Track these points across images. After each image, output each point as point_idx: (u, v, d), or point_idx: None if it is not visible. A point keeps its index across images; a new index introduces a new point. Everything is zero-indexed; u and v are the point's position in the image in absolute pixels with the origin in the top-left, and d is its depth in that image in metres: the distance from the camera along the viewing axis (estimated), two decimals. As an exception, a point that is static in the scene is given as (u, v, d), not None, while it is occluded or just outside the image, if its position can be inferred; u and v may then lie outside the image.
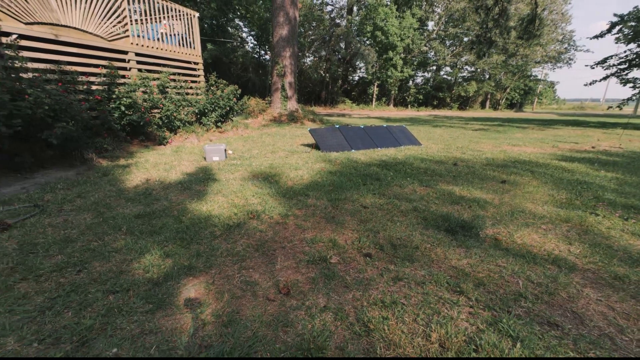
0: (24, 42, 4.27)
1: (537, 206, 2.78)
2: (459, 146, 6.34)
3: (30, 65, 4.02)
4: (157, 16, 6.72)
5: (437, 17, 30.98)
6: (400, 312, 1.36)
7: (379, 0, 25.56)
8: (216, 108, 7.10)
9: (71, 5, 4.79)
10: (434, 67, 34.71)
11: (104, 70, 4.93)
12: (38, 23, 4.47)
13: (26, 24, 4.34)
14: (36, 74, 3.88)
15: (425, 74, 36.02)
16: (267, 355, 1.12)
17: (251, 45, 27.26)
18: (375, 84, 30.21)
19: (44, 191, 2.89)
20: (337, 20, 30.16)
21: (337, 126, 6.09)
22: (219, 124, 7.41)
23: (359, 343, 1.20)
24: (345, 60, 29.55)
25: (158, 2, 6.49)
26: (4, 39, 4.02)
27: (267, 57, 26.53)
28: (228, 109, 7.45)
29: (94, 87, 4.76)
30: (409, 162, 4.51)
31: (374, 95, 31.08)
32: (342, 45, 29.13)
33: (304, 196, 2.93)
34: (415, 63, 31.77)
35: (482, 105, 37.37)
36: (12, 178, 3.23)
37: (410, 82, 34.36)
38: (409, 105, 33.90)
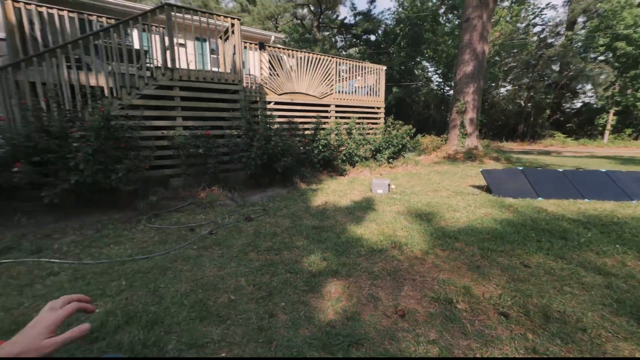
0: (276, 106, 6.81)
1: None
2: None
3: (277, 120, 6.36)
4: (355, 74, 8.56)
5: None
6: (520, 382, 1.24)
7: (623, 2, 19.02)
8: (390, 146, 7.92)
9: (302, 78, 7.14)
10: None
11: (313, 120, 6.89)
12: (285, 93, 6.99)
13: (278, 94, 6.92)
14: (278, 126, 6.08)
15: None
16: (370, 349, 1.41)
17: (436, 83, 27.50)
18: (612, 112, 21.92)
19: (269, 201, 4.49)
20: (550, 40, 24.93)
21: (521, 168, 5.19)
22: (391, 160, 8.15)
23: (456, 384, 1.24)
24: (559, 85, 23.60)
25: (356, 63, 8.30)
26: (268, 106, 6.62)
27: (452, 92, 25.81)
28: (400, 146, 8.10)
29: (306, 132, 6.75)
30: (636, 225, 3.21)
31: (608, 127, 22.51)
32: (555, 67, 23.60)
33: (453, 239, 2.88)
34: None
35: None
36: (256, 191, 5.22)
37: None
38: (686, 139, 21.79)
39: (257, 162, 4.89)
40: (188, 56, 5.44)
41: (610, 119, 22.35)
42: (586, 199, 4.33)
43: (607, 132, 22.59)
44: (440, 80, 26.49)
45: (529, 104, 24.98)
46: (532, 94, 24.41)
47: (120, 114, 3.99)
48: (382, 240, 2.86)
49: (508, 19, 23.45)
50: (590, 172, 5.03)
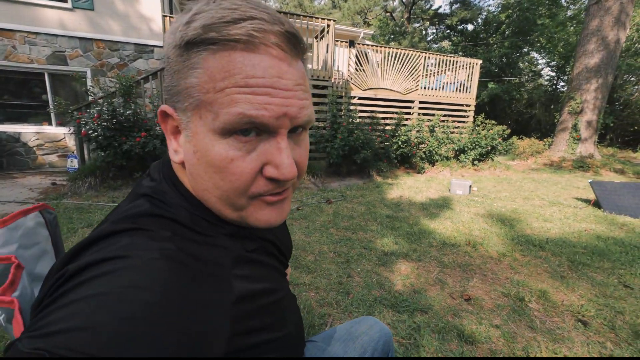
0: (359, 101, 7.11)
1: None
2: None
3: (360, 114, 6.67)
4: (444, 69, 8.16)
5: None
6: (584, 376, 1.29)
7: None
8: (476, 147, 7.36)
9: (387, 74, 7.23)
10: None
11: (395, 116, 6.94)
12: (369, 88, 7.22)
13: (363, 89, 7.18)
14: (360, 120, 6.37)
15: None
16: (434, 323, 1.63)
17: (547, 77, 23.36)
18: None
19: (347, 189, 4.87)
20: None
21: (650, 183, 4.28)
22: (476, 162, 7.58)
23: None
24: None
25: (446, 57, 7.91)
26: (352, 100, 6.98)
27: (565, 89, 21.55)
28: (490, 148, 7.44)
29: (387, 127, 6.87)
30: None
31: None
32: None
33: (538, 247, 2.73)
34: None
35: None
36: (335, 179, 5.67)
37: None
38: None
39: (339, 152, 5.32)
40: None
41: None
42: None
43: None
44: (554, 73, 22.42)
45: (688, 105, 19.02)
46: (694, 91, 18.51)
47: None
48: (455, 236, 2.91)
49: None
50: None
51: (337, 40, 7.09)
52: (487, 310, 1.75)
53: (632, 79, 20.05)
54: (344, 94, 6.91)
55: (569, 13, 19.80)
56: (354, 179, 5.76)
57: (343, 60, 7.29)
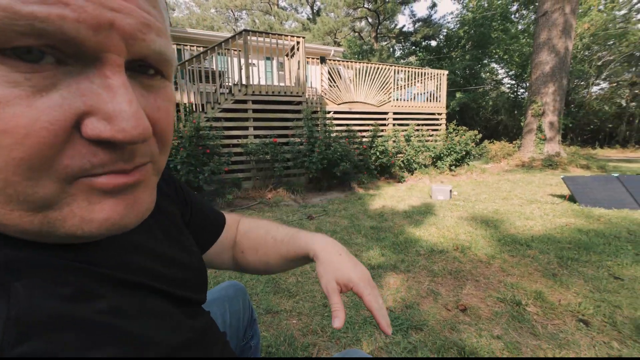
0: (335, 115, 7.14)
1: None
2: None
3: (336, 128, 6.66)
4: (413, 81, 8.44)
5: None
6: (598, 385, 1.17)
7: None
8: (452, 153, 7.53)
9: (359, 88, 7.35)
10: None
11: (371, 128, 7.00)
12: (343, 102, 7.28)
13: (337, 104, 7.24)
14: (337, 133, 6.35)
15: None
16: (430, 344, 1.47)
17: (507, 85, 25.00)
18: None
19: (329, 203, 4.72)
20: (662, 26, 20.64)
21: (616, 175, 4.46)
22: (453, 167, 7.73)
23: (521, 375, 1.22)
24: (677, 78, 19.27)
25: (415, 70, 8.20)
26: (327, 115, 6.98)
27: (526, 95, 23.14)
28: (464, 153, 7.62)
29: (364, 139, 6.89)
30: None
31: None
32: (671, 58, 19.40)
33: (525, 246, 2.68)
34: None
35: None
36: (316, 194, 5.52)
37: None
38: None
39: (317, 167, 5.20)
40: (259, 74, 6.15)
41: None
42: None
43: None
44: (513, 82, 24.05)
45: (633, 104, 20.92)
46: (636, 91, 20.42)
47: (205, 125, 4.73)
48: (442, 242, 2.81)
49: (602, 7, 20.27)
50: None
51: (308, 58, 7.17)
52: (486, 320, 1.61)
53: (582, 83, 21.84)
54: (319, 109, 6.92)
55: (520, 27, 21.59)
56: (335, 192, 5.64)
57: (316, 77, 7.36)
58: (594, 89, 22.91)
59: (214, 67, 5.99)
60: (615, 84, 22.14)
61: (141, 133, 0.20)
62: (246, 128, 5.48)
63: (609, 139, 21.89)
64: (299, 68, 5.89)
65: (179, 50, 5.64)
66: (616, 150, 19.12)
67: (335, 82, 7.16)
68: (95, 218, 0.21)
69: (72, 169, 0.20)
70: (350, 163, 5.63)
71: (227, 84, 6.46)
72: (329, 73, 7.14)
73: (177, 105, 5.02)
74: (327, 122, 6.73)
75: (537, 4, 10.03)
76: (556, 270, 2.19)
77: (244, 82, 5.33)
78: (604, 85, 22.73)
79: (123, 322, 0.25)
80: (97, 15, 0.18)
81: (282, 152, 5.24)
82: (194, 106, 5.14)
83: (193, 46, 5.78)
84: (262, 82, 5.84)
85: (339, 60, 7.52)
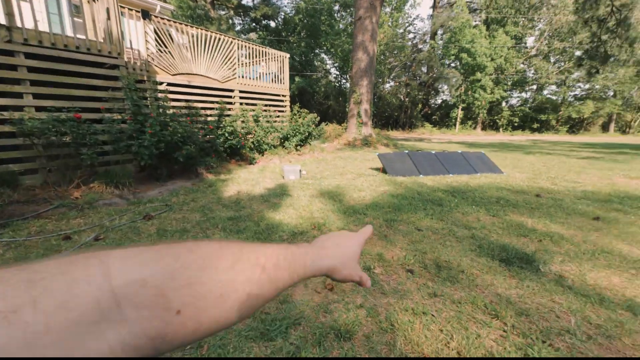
0: (170, 88, 5.94)
1: (634, 249, 2.40)
2: (552, 176, 5.61)
3: (172, 104, 5.55)
4: (258, 59, 8.24)
5: (538, 32, 27.75)
6: (428, 321, 1.51)
7: (465, 22, 24.59)
8: (297, 134, 8.08)
9: (199, 59, 6.43)
10: (534, 87, 30.69)
11: (216, 106, 6.34)
12: (180, 74, 6.15)
13: (172, 74, 6.04)
14: (175, 111, 5.32)
15: (524, 94, 32.11)
16: (309, 329, 1.45)
17: (334, 75, 29.44)
18: (460, 107, 28.42)
19: (172, 195, 3.95)
20: (420, 46, 30.09)
21: (406, 152, 6.18)
22: (298, 147, 8.35)
23: (383, 336, 1.42)
24: (427, 84, 28.95)
25: (258, 48, 8.01)
26: (159, 87, 5.70)
27: (348, 85, 28.18)
28: (307, 134, 8.37)
29: (209, 119, 6.16)
30: (481, 190, 4.31)
31: (458, 119, 29.15)
32: (424, 69, 28.74)
33: (363, 215, 3.21)
34: (509, 83, 28.81)
35: (604, 129, 30.78)
36: (154, 185, 4.50)
37: (504, 104, 31.07)
38: (501, 129, 30.48)
39: (151, 151, 4.19)
40: (36, 14, 4.07)
41: (459, 113, 28.96)
42: (450, 174, 5.52)
43: (457, 123, 29.22)
44: (338, 73, 28.50)
45: (406, 99, 29.73)
46: (408, 90, 29.08)
47: None
48: (301, 223, 2.93)
49: (390, 23, 26.95)
50: (452, 153, 6.41)
51: (124, 7, 5.44)
52: (349, 292, 1.78)
53: (380, 80, 28.56)
54: (145, 78, 5.52)
55: (341, 26, 25.41)
56: (179, 181, 4.80)
57: (138, 36, 5.76)
58: (386, 85, 30.85)
59: None
60: (398, 84, 30.66)
61: None
62: (19, 95, 3.60)
63: (395, 123, 30.43)
64: (108, 18, 4.36)
65: None
66: (399, 132, 26.94)
67: (166, 48, 5.88)
68: None
69: None
70: (195, 146, 4.90)
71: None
72: (156, 33, 5.77)
73: None
74: (161, 95, 5.51)
75: (352, 8, 11.98)
76: (386, 232, 2.75)
77: (2, 21, 3.38)
78: (392, 83, 31.02)
79: None
80: None
81: (93, 132, 3.83)
82: None
83: None
84: (44, 29, 3.92)
85: (168, 20, 6.17)
